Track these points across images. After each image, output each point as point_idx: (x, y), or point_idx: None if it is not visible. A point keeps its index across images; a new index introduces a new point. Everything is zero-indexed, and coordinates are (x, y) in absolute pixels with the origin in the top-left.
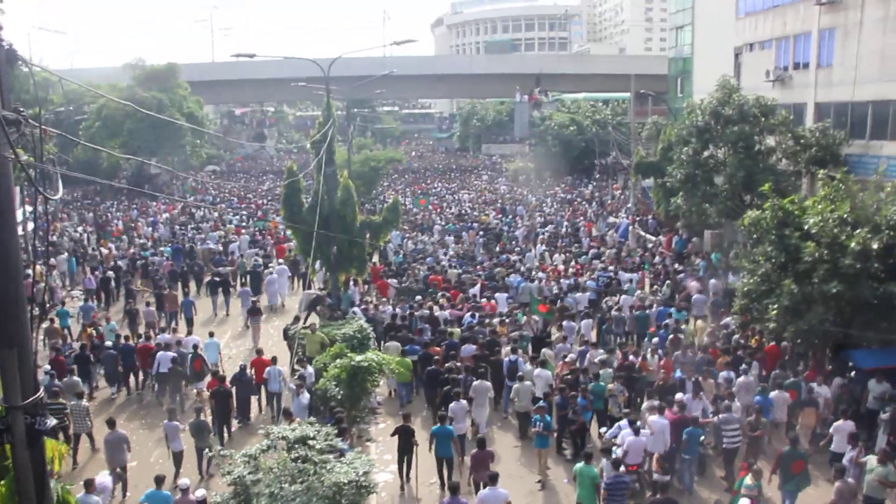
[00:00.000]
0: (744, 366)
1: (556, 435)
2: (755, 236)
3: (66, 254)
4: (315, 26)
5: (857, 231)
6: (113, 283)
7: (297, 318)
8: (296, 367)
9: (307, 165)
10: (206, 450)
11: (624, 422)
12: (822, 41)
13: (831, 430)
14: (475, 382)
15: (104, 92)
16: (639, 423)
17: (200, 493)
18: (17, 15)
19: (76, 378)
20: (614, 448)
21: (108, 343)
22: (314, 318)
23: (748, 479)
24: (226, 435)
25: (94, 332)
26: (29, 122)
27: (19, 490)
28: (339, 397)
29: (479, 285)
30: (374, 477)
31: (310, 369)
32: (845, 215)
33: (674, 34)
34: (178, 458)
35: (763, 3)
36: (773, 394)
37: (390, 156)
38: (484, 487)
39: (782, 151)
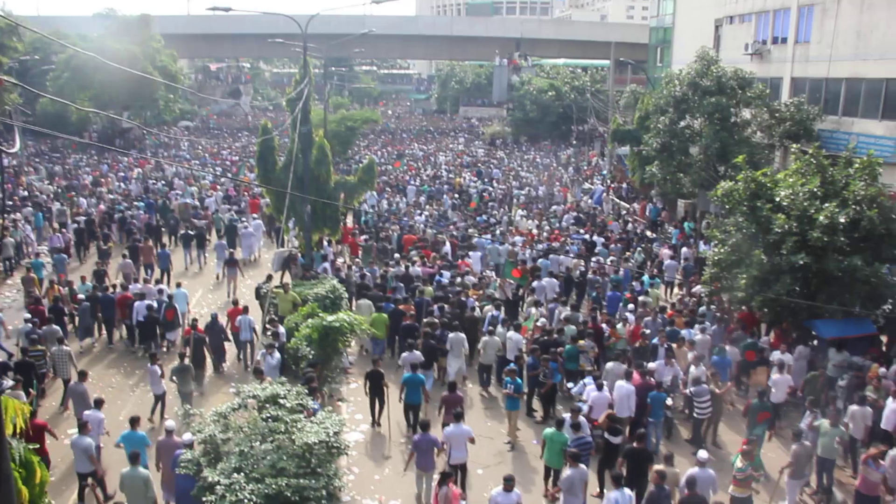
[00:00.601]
0: (698, 325)
1: (525, 397)
2: (727, 207)
3: (31, 207)
4: None
5: (826, 205)
6: (85, 235)
7: (269, 277)
8: (267, 326)
9: (283, 123)
10: (187, 403)
11: (588, 378)
12: (801, 17)
13: (770, 382)
14: (450, 334)
15: (73, 42)
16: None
17: (188, 436)
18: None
19: (55, 326)
20: (580, 404)
21: (81, 296)
22: (288, 278)
23: (738, 462)
24: (195, 390)
25: (60, 289)
26: None
27: None
28: (311, 357)
29: (448, 244)
30: (345, 437)
31: (281, 329)
32: (815, 189)
33: (656, 3)
34: (159, 401)
35: None
36: (727, 348)
37: (367, 116)
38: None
39: (757, 124)
